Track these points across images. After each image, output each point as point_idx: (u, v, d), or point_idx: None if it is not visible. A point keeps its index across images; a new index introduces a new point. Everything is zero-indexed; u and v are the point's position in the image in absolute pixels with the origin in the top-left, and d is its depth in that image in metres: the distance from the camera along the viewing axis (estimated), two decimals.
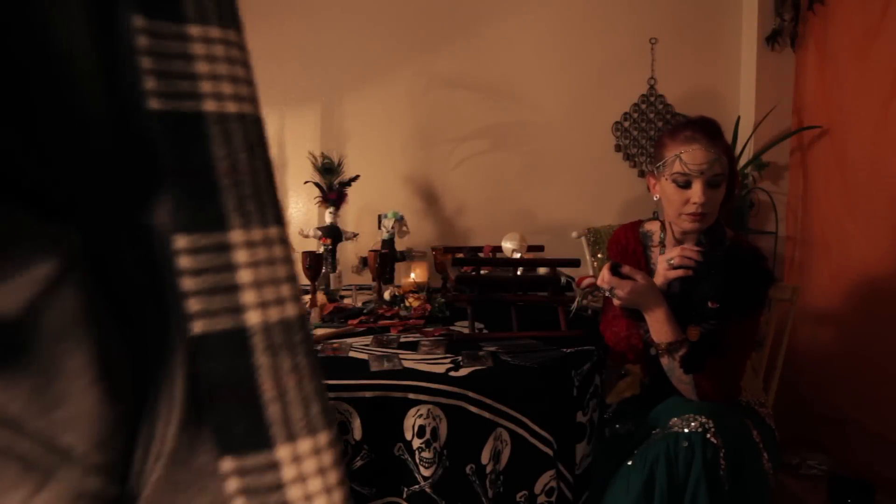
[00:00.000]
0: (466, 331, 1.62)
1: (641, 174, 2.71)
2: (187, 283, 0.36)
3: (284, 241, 0.40)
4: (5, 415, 0.31)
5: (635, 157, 2.70)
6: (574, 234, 2.47)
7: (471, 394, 1.25)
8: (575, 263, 1.77)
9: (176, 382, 0.36)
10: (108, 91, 0.36)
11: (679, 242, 1.52)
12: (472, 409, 1.25)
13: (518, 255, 2.09)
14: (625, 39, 2.67)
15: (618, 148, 2.69)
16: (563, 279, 1.82)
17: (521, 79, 2.67)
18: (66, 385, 0.33)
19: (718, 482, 1.24)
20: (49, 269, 0.32)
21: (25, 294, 0.31)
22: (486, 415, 1.25)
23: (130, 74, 0.35)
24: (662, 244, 1.58)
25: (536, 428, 1.29)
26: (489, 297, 1.71)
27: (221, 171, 0.37)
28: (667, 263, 1.42)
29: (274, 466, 0.37)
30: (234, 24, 0.39)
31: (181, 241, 0.36)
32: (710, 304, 1.34)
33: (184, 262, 0.36)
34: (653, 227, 1.62)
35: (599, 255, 2.38)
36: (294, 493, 0.37)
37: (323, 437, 0.38)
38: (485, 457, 1.25)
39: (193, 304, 0.36)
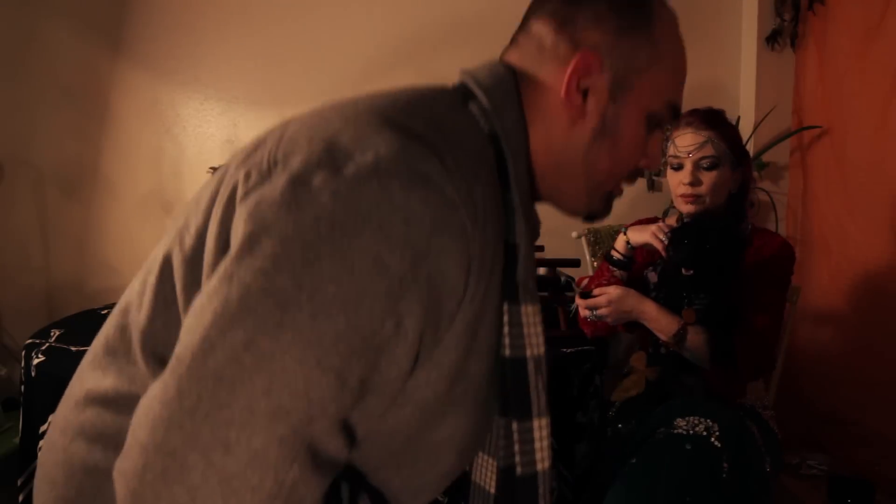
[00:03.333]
0: None
1: (642, 174, 2.70)
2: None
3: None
4: None
5: None
6: (574, 235, 2.47)
7: None
8: (575, 263, 1.77)
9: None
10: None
11: None
12: None
13: None
14: None
15: None
16: (563, 279, 1.82)
17: None
18: None
19: (721, 485, 1.24)
20: None
21: None
22: None
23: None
24: None
25: None
26: None
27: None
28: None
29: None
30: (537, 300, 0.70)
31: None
32: (683, 272, 1.36)
33: None
34: (671, 221, 1.63)
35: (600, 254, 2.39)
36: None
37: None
38: None
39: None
